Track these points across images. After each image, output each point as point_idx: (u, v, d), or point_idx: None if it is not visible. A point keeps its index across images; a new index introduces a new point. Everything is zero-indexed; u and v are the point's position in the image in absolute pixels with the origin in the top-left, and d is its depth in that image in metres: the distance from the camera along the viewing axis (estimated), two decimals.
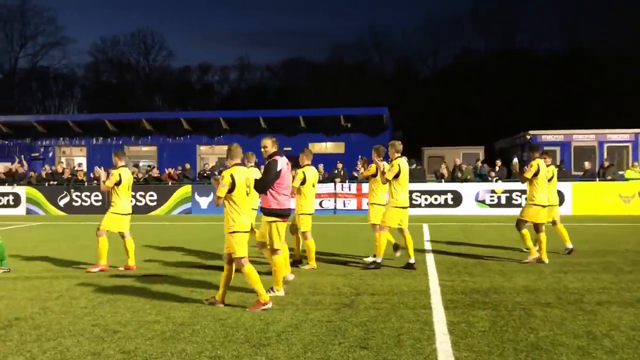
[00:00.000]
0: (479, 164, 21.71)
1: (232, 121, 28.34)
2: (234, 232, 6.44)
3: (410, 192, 19.82)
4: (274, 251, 7.22)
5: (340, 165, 20.94)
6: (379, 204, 9.48)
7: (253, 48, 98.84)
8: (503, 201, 19.69)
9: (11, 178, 22.14)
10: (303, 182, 8.97)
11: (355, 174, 20.75)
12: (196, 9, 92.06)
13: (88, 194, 20.79)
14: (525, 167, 9.72)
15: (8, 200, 21.07)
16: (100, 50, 60.35)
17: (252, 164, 9.82)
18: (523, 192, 19.50)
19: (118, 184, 9.09)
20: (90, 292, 7.46)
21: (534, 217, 9.41)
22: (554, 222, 10.34)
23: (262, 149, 7.17)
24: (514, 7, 53.17)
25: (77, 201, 20.84)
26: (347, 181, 20.54)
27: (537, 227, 9.43)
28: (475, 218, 18.38)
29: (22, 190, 21.10)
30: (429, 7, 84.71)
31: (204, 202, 20.61)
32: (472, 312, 6.25)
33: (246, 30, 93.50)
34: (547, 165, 9.96)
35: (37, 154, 28.91)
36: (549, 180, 9.88)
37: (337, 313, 6.25)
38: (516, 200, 19.43)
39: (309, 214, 9.12)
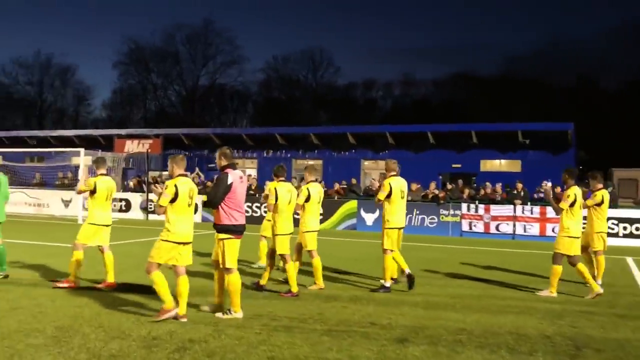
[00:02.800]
0: None
1: (398, 136, 27.49)
2: (165, 240, 6.43)
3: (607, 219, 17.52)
4: (227, 270, 6.63)
5: (520, 186, 18.98)
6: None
7: (418, 63, 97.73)
8: None
9: None
10: (307, 199, 8.56)
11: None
12: (363, 26, 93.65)
13: (258, 205, 21.11)
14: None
15: None
16: (272, 68, 63.38)
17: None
18: None
19: (93, 192, 8.40)
20: (265, 314, 6.89)
21: (568, 250, 8.50)
22: (596, 252, 9.47)
23: (216, 161, 6.83)
24: None
25: (247, 212, 21.29)
26: (528, 203, 18.51)
27: (571, 261, 8.54)
28: None
29: (199, 199, 22.07)
30: (614, 15, 77.25)
31: (369, 218, 19.89)
32: None
33: (411, 46, 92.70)
34: (598, 190, 9.42)
35: (214, 165, 30.50)
36: (598, 205, 9.30)
37: None
38: None
39: (313, 231, 8.74)
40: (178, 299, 6.48)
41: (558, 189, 18.86)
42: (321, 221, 20.54)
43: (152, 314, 6.65)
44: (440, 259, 12.94)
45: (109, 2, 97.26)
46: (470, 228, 18.70)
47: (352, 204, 20.34)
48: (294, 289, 8.09)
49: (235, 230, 6.69)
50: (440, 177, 25.20)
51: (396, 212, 8.56)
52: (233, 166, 6.77)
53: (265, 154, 30.18)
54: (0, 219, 9.08)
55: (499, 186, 19.43)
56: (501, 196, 18.94)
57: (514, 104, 44.98)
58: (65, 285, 8.16)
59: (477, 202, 18.85)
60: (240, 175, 6.78)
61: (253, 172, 29.88)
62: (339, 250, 14.06)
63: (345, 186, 22.25)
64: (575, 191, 8.47)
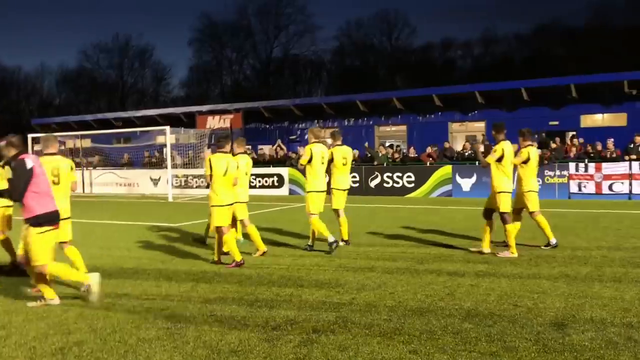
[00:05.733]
0: None
1: (489, 94, 25.81)
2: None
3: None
4: (39, 267, 5.88)
5: (638, 139, 17.14)
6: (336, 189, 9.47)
7: (497, 19, 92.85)
8: None
9: (274, 161, 22.98)
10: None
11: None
12: None
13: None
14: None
15: (273, 181, 21.85)
16: (345, 34, 62.07)
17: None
18: None
19: None
20: (387, 296, 6.13)
21: (507, 206, 8.45)
22: (532, 213, 8.94)
23: (3, 151, 6.22)
24: None
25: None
26: None
27: (503, 218, 8.45)
28: None
29: (284, 172, 21.66)
30: None
31: (466, 184, 18.72)
32: None
33: (489, 1, 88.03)
34: (525, 147, 8.83)
35: (294, 137, 30.01)
36: (525, 163, 8.77)
37: None
38: None
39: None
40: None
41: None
42: (413, 188, 19.87)
43: (268, 302, 6.08)
44: (552, 224, 11.72)
45: None
46: (580, 189, 17.14)
47: (446, 170, 19.17)
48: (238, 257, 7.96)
49: (51, 220, 5.97)
50: (537, 135, 23.46)
51: (317, 177, 8.89)
52: (26, 152, 6.21)
53: (346, 123, 29.32)
54: None
55: (610, 142, 17.69)
56: (615, 153, 17.22)
57: (606, 55, 41.57)
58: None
59: (586, 160, 17.26)
60: (37, 158, 6.19)
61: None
62: (440, 219, 13.11)
63: (435, 150, 21.09)
64: (503, 146, 8.35)
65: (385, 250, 9.10)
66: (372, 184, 20.20)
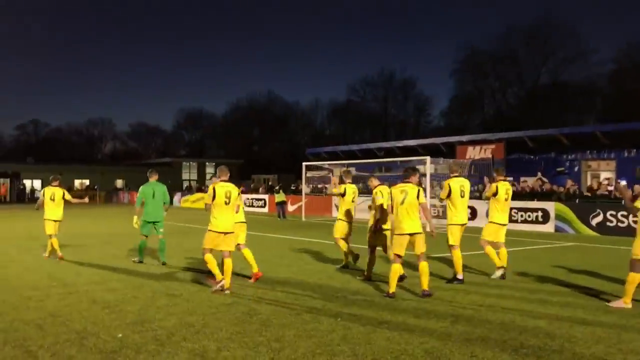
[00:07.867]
0: None
1: None
2: (208, 230, 8.15)
3: None
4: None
5: None
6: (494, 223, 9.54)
7: None
8: None
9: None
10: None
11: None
12: None
13: (624, 213, 18.05)
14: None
15: (537, 216, 20.36)
16: (626, 56, 55.82)
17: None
18: None
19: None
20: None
21: None
22: None
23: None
24: None
25: (612, 221, 18.41)
26: None
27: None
28: None
29: (551, 207, 20.08)
30: None
31: None
32: None
33: None
34: None
35: (562, 169, 27.82)
36: None
37: None
38: None
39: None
40: (224, 275, 8.06)
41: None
42: None
43: (534, 350, 5.55)
44: None
45: (443, 14, 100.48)
46: None
47: None
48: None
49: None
50: None
51: (458, 210, 9.24)
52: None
53: (625, 154, 26.17)
54: (151, 219, 10.94)
55: None
56: None
57: None
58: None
59: None
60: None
61: (610, 175, 26.24)
62: None
63: None
64: None
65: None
66: None
